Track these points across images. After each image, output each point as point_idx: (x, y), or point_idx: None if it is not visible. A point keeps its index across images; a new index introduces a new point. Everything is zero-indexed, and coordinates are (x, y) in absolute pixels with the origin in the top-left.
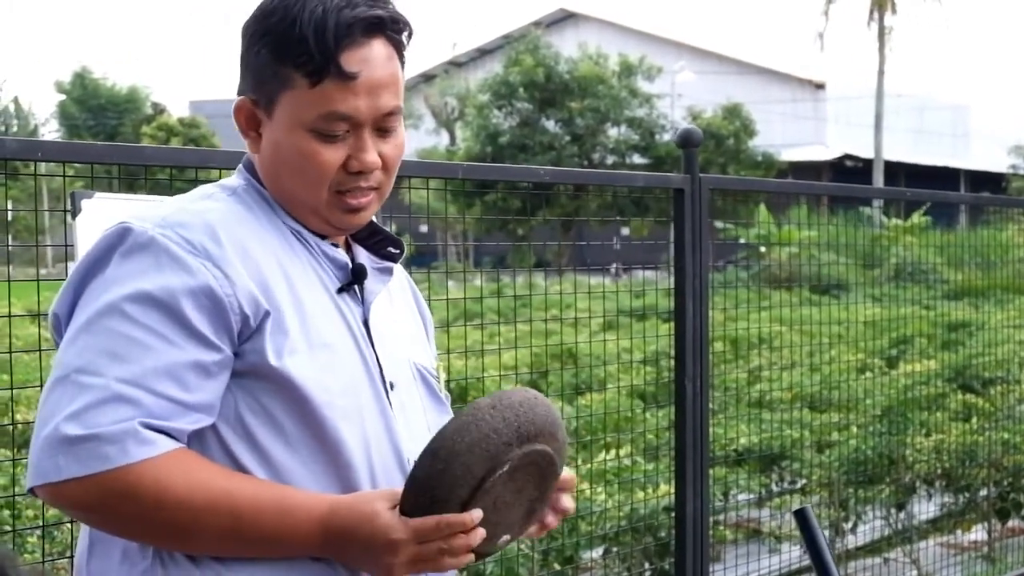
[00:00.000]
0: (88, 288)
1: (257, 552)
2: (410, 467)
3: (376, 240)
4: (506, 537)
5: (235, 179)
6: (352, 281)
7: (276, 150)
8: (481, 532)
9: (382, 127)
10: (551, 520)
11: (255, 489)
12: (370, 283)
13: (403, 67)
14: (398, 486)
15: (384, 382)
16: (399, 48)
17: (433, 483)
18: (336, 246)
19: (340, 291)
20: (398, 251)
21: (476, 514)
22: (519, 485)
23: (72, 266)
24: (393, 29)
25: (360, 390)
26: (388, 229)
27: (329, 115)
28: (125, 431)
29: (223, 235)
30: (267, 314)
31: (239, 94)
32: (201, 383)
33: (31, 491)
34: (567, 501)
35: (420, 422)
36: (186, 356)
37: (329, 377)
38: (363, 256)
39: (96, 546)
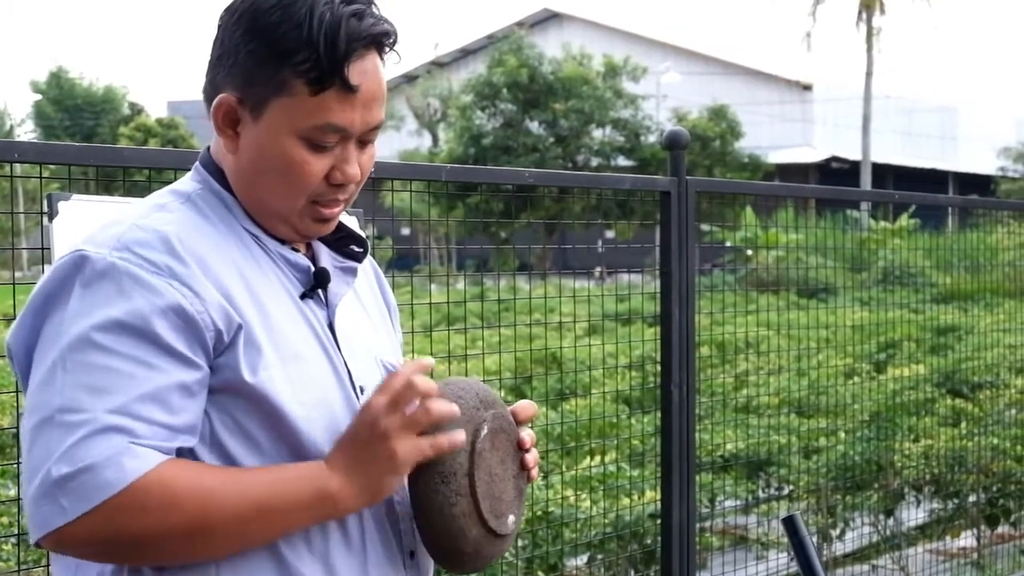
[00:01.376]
0: (49, 321)
1: (279, 523)
2: None
3: (338, 238)
4: (512, 518)
5: (190, 182)
6: (315, 286)
7: (259, 154)
8: (433, 385)
9: (365, 140)
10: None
11: (257, 467)
12: (334, 285)
13: (385, 83)
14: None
15: (354, 387)
16: (384, 60)
17: (435, 460)
18: (296, 250)
19: (303, 297)
20: (361, 250)
21: (427, 360)
22: (501, 455)
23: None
24: (391, 44)
25: (332, 399)
26: (352, 227)
27: (326, 126)
28: (119, 453)
29: (182, 250)
30: (239, 327)
31: (213, 87)
32: (185, 404)
33: (38, 544)
34: (532, 458)
35: None
36: (168, 379)
37: (302, 390)
38: (325, 255)
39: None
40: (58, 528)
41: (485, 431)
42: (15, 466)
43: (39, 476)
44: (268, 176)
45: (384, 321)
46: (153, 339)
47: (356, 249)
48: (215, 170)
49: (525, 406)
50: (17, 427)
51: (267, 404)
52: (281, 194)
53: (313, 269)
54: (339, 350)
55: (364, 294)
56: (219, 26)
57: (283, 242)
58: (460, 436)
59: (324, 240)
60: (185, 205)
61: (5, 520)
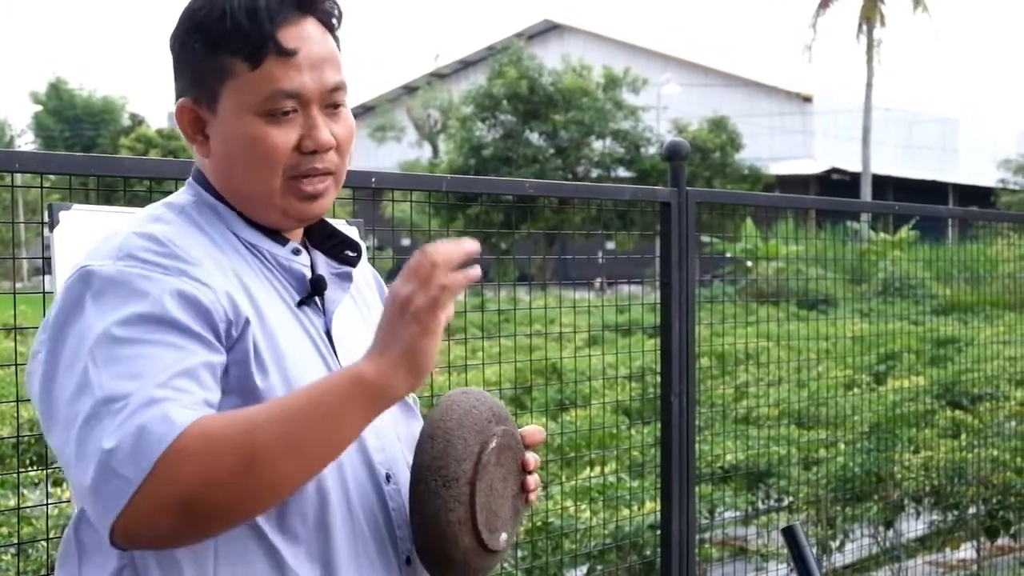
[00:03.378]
0: (68, 338)
1: (330, 425)
2: (384, 480)
3: (333, 244)
4: (505, 536)
5: (183, 195)
6: (312, 293)
7: (226, 144)
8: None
9: (330, 103)
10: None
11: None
12: (330, 292)
13: (339, 48)
14: (372, 501)
15: None
16: (331, 29)
17: (439, 464)
18: (298, 251)
19: (300, 304)
20: (356, 255)
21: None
22: (504, 472)
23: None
24: (323, 9)
25: None
26: (344, 232)
27: (275, 94)
28: (162, 413)
29: (182, 253)
30: (247, 322)
31: (176, 99)
32: (212, 384)
33: (112, 536)
34: (534, 481)
35: (389, 432)
36: (196, 358)
37: None
38: (322, 262)
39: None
40: (127, 505)
41: (493, 444)
42: (14, 476)
43: (94, 463)
44: (239, 161)
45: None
46: (174, 324)
47: (351, 255)
48: (204, 183)
49: (534, 431)
50: (17, 437)
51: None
52: (256, 175)
53: (309, 276)
54: (336, 357)
55: (365, 302)
56: (169, 45)
57: (280, 239)
58: (476, 272)
59: (320, 247)
60: (180, 217)
61: (4, 531)
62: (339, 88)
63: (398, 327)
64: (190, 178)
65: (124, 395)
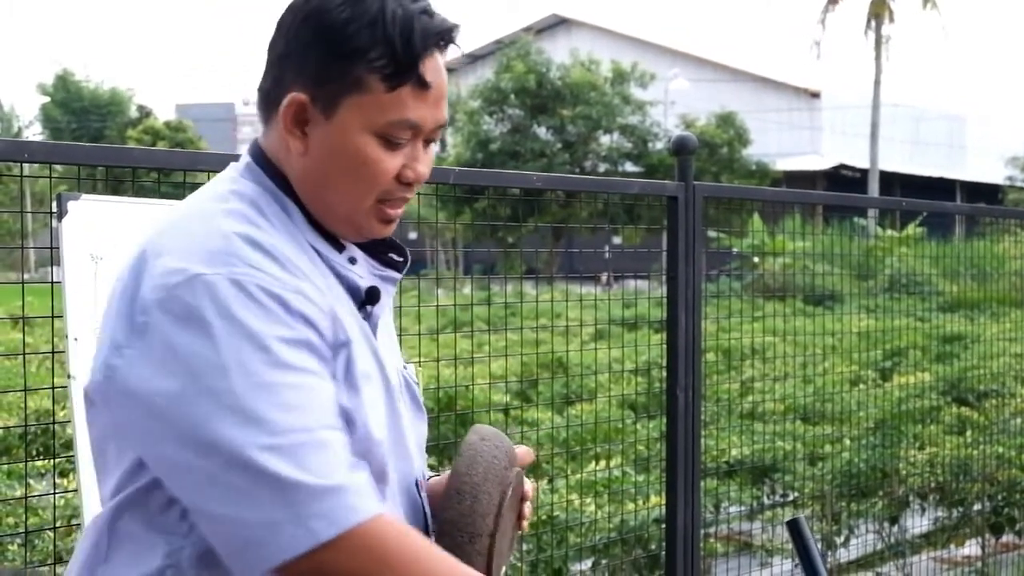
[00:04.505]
0: (190, 352)
1: None
2: (415, 487)
3: (375, 244)
4: (504, 569)
5: (245, 183)
6: (364, 303)
7: (331, 153)
8: None
9: (430, 139)
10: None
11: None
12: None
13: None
14: (406, 510)
15: (395, 402)
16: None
17: (467, 521)
18: (353, 261)
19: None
20: (402, 259)
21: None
22: (513, 511)
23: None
24: (455, 42)
25: (388, 420)
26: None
27: (401, 122)
28: (358, 486)
29: (288, 264)
30: (344, 344)
31: (278, 86)
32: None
33: (281, 569)
34: (529, 510)
35: (410, 437)
36: (332, 385)
37: (378, 410)
38: (361, 260)
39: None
40: (299, 556)
41: (510, 493)
42: (21, 466)
43: (277, 499)
44: (340, 175)
45: (393, 328)
46: (310, 348)
47: (396, 258)
48: (272, 170)
49: (524, 453)
50: (24, 427)
51: (359, 428)
52: (352, 193)
53: (364, 288)
54: (384, 371)
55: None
56: (280, 25)
57: (337, 244)
58: None
59: (363, 245)
60: (256, 212)
61: (11, 520)
62: (444, 125)
63: None
64: (248, 160)
65: (290, 431)
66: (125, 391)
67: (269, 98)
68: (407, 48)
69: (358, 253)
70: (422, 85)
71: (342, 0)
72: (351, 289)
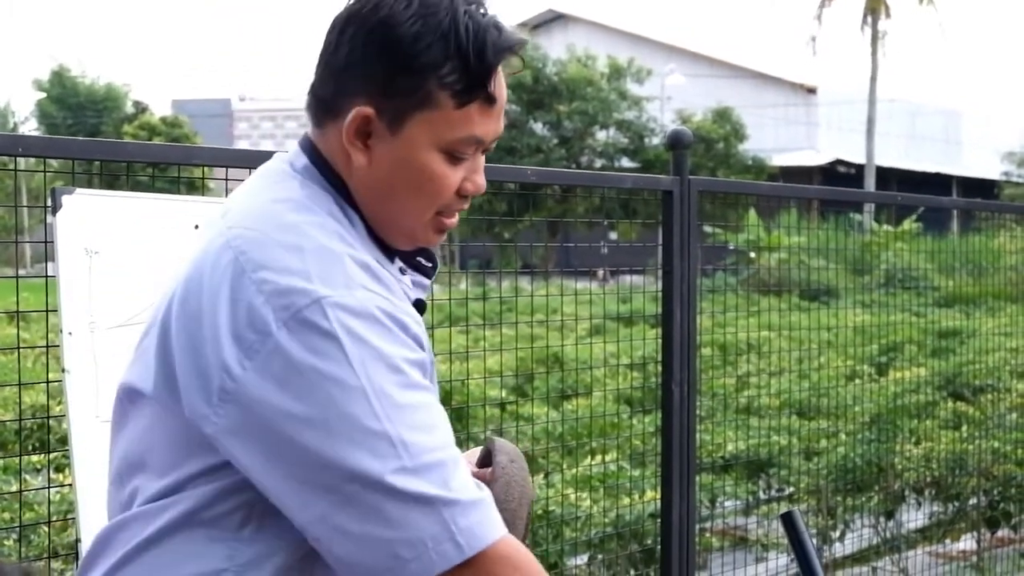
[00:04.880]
0: (315, 376)
1: None
2: None
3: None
4: None
5: (315, 187)
6: None
7: (396, 167)
8: None
9: (487, 150)
10: None
11: None
12: None
13: None
14: None
15: None
16: None
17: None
18: (404, 272)
19: None
20: (431, 265)
21: None
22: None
23: (53, 268)
24: (522, 57)
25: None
26: None
27: (469, 139)
28: (489, 498)
29: (393, 286)
30: (430, 364)
31: (340, 96)
32: None
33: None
34: None
35: None
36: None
37: (445, 421)
38: (407, 271)
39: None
40: (461, 563)
41: (531, 508)
42: (16, 461)
43: (426, 514)
44: (404, 190)
45: None
46: (424, 370)
47: (425, 263)
48: (332, 176)
49: None
50: (19, 421)
51: None
52: (415, 207)
53: (412, 300)
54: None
55: None
56: (341, 32)
57: (389, 254)
58: None
59: (399, 255)
60: (336, 223)
61: (7, 515)
62: (499, 136)
63: None
64: (306, 161)
65: (428, 449)
66: (240, 409)
67: (327, 105)
68: (480, 63)
69: (407, 268)
70: (489, 101)
71: (413, 13)
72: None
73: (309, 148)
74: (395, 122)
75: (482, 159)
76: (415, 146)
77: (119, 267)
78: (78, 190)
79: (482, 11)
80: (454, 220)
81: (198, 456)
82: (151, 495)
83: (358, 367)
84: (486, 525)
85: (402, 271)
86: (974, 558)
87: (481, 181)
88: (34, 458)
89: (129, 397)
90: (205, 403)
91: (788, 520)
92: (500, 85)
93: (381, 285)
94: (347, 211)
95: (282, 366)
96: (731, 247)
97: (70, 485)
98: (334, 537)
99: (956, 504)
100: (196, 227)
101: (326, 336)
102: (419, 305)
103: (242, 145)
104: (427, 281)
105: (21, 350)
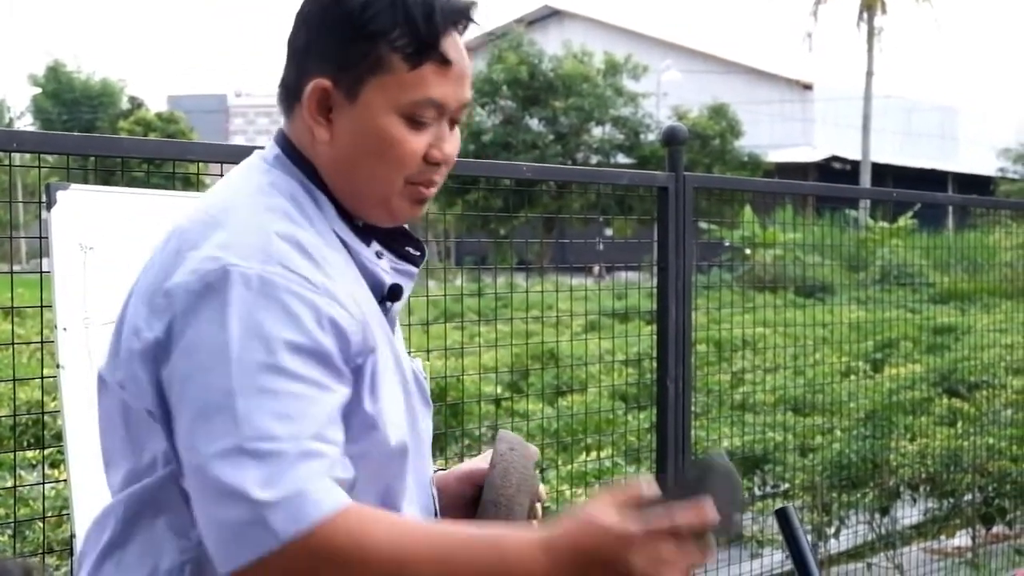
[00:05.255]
0: (201, 342)
1: None
2: (429, 483)
3: (394, 238)
4: None
5: (281, 176)
6: (385, 298)
7: (357, 136)
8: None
9: (455, 119)
10: None
11: (455, 528)
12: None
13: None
14: (421, 507)
15: (408, 401)
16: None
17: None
18: (380, 255)
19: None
20: (419, 253)
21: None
22: (533, 514)
23: (48, 264)
24: (473, 20)
25: (405, 419)
26: (406, 228)
27: (424, 101)
28: (317, 488)
29: (325, 264)
30: (372, 351)
31: (300, 75)
32: (341, 421)
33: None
34: (539, 509)
35: (425, 434)
36: (339, 398)
37: (395, 413)
38: (385, 255)
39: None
40: (255, 560)
41: (533, 500)
42: (11, 457)
43: (238, 503)
44: (367, 158)
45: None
46: (325, 359)
47: (413, 252)
48: (301, 162)
49: (532, 452)
50: (13, 417)
51: (380, 432)
52: (380, 175)
53: (388, 284)
54: (402, 369)
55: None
56: (300, 15)
57: (365, 238)
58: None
59: (380, 239)
60: (292, 205)
61: (1, 511)
62: (467, 104)
63: (613, 557)
64: (277, 151)
65: (274, 437)
66: (144, 369)
67: (291, 90)
68: (428, 26)
69: (385, 252)
70: (444, 62)
71: None
72: (374, 285)
73: (281, 139)
74: (352, 90)
75: (448, 128)
76: (373, 111)
77: (114, 263)
78: (73, 186)
79: None
80: (430, 191)
81: (147, 442)
82: (116, 487)
83: (235, 340)
84: (288, 521)
85: (379, 255)
86: (969, 554)
87: (449, 149)
88: (29, 454)
89: (99, 387)
90: (122, 368)
91: (782, 516)
92: (456, 49)
93: (311, 264)
94: (314, 193)
95: (178, 328)
96: (726, 243)
97: (65, 481)
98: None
99: (951, 500)
100: None
101: (221, 304)
102: (395, 291)
103: (238, 141)
104: (414, 269)
105: (15, 346)
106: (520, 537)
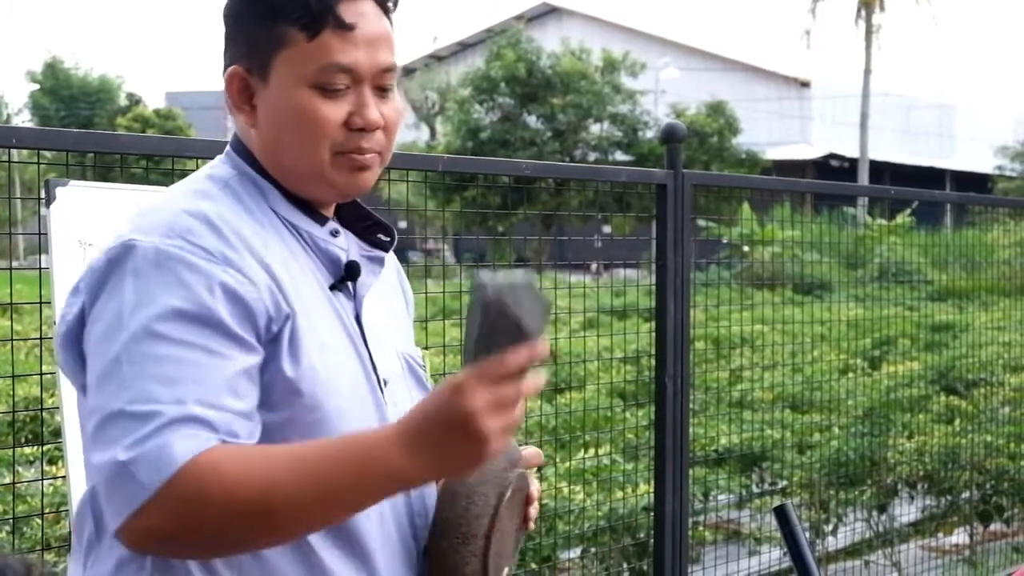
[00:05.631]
0: (103, 312)
1: (346, 506)
2: None
3: (365, 226)
4: (507, 570)
5: (223, 167)
6: (345, 277)
7: (275, 114)
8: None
9: (381, 85)
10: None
11: (318, 442)
12: (362, 277)
13: (392, 31)
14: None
15: (379, 380)
16: (387, 12)
17: (462, 521)
18: (336, 233)
19: (333, 288)
20: (389, 239)
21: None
22: (513, 512)
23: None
24: None
25: (359, 392)
26: (376, 215)
27: (330, 66)
28: (182, 436)
29: (232, 237)
30: (287, 317)
31: (225, 69)
32: (249, 389)
33: (117, 536)
34: (534, 511)
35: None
36: (234, 365)
37: (337, 381)
38: (352, 243)
39: (91, 552)
40: (130, 518)
41: (508, 494)
42: (9, 453)
43: (110, 465)
44: (287, 133)
45: (402, 312)
46: (216, 325)
47: (384, 238)
48: (245, 153)
49: (532, 455)
50: (12, 413)
51: (306, 397)
52: (305, 149)
53: (344, 261)
54: (365, 343)
55: (388, 288)
56: (224, 12)
57: (318, 218)
58: (542, 380)
59: (351, 228)
60: (224, 191)
61: (0, 508)
62: (391, 70)
63: (454, 431)
64: (228, 148)
65: (152, 400)
66: (62, 347)
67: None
68: None
69: (347, 235)
70: (342, 27)
71: None
72: (333, 263)
73: (232, 138)
74: (263, 72)
75: (377, 95)
76: (284, 87)
77: None
78: (72, 182)
79: None
80: (366, 157)
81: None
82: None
83: (127, 309)
84: (159, 467)
85: (334, 233)
86: (967, 552)
87: (371, 115)
88: (27, 450)
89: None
90: (61, 356)
91: (781, 513)
92: (356, 13)
93: (216, 237)
94: (255, 179)
95: (88, 304)
96: (724, 241)
97: (63, 477)
98: None
99: (949, 498)
100: None
101: (120, 277)
102: (352, 267)
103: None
104: (382, 254)
105: (14, 342)
106: (378, 432)
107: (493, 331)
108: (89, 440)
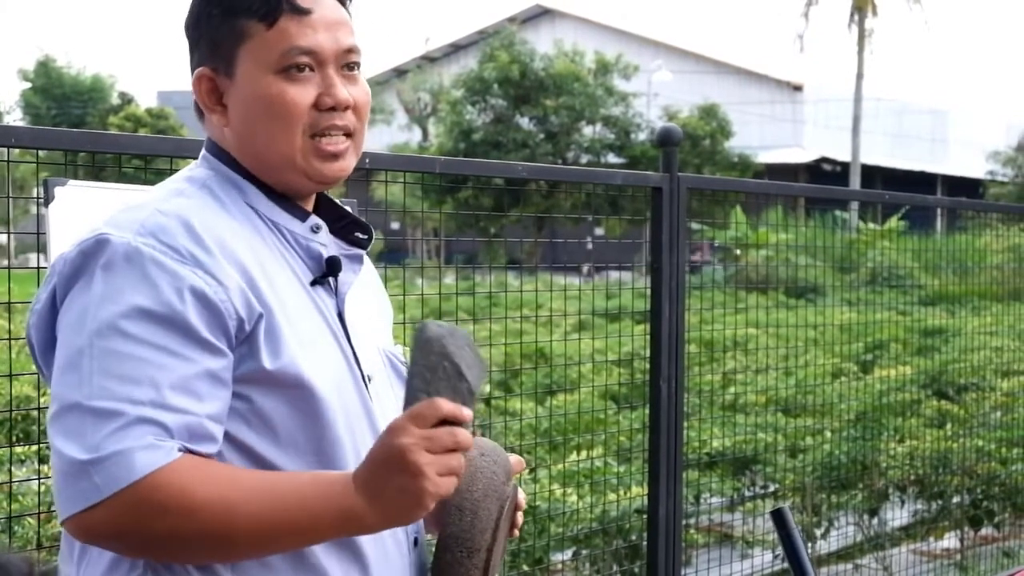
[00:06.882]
0: (71, 303)
1: (301, 540)
2: None
3: (343, 224)
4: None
5: (200, 168)
6: (326, 274)
7: (244, 107)
8: (454, 409)
9: (346, 64)
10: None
11: (286, 475)
12: (343, 274)
13: (350, 19)
14: None
15: (363, 375)
16: (343, 2)
17: (467, 536)
18: (317, 229)
19: (313, 284)
20: (365, 236)
21: (466, 412)
22: (508, 522)
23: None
24: None
25: (344, 387)
26: (354, 213)
27: (291, 50)
28: (144, 446)
29: (206, 237)
30: (260, 316)
31: (193, 72)
32: (213, 391)
33: (62, 525)
34: (520, 518)
35: (395, 412)
36: (196, 367)
37: (321, 375)
38: (331, 242)
39: (84, 554)
40: (80, 512)
41: (507, 506)
42: (3, 452)
43: (66, 460)
44: (259, 123)
45: (384, 314)
46: (180, 327)
47: (361, 236)
48: (220, 154)
49: (516, 463)
50: (9, 411)
51: (291, 385)
52: (277, 136)
53: (325, 257)
54: (348, 339)
55: (368, 288)
56: (185, 20)
57: (299, 214)
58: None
59: (330, 227)
60: (202, 191)
61: None
62: (353, 50)
63: (392, 474)
64: (204, 151)
65: (111, 398)
66: (34, 333)
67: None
68: None
69: (324, 225)
70: (298, 11)
71: None
72: (314, 259)
73: (207, 142)
74: (229, 69)
75: (342, 76)
76: (250, 79)
77: None
78: (70, 181)
79: None
80: (339, 145)
81: None
82: None
83: (94, 303)
84: (117, 476)
85: (316, 229)
86: (957, 556)
87: (340, 94)
88: (19, 449)
89: None
90: (35, 349)
91: (779, 517)
92: (314, 1)
93: (189, 237)
94: (233, 178)
95: (60, 295)
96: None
97: None
98: None
99: (940, 502)
100: None
101: (90, 271)
102: (332, 263)
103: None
104: (360, 252)
105: (9, 341)
106: (339, 475)
107: (433, 374)
108: (48, 421)
